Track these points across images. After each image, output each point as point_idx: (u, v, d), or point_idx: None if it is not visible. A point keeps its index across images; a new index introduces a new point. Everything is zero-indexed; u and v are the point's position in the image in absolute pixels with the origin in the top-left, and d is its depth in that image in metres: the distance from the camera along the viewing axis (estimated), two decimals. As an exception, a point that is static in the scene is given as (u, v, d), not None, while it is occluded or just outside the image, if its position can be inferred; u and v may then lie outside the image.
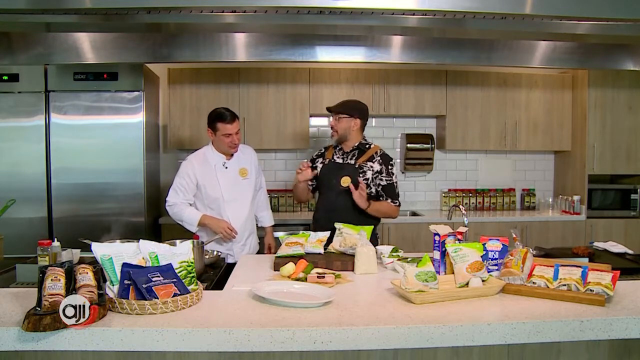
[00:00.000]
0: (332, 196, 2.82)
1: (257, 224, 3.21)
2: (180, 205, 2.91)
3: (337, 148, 2.95)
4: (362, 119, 2.86)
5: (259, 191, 3.19)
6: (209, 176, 2.92)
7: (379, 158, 2.84)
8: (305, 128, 4.51)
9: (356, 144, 2.87)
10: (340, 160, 2.89)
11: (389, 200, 2.83)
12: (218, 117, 2.86)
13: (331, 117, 2.90)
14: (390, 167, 2.84)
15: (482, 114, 4.64)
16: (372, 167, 2.81)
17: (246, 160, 3.04)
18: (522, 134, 4.69)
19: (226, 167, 2.96)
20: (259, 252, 3.14)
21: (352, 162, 2.85)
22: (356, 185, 2.74)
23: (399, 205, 2.88)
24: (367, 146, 2.88)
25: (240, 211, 2.97)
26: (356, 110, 2.85)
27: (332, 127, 2.87)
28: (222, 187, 2.92)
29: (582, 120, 4.59)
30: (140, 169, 3.93)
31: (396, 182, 2.86)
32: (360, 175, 2.79)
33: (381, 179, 2.82)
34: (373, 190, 2.82)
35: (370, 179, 2.80)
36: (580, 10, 2.33)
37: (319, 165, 2.95)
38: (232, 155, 2.98)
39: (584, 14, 2.35)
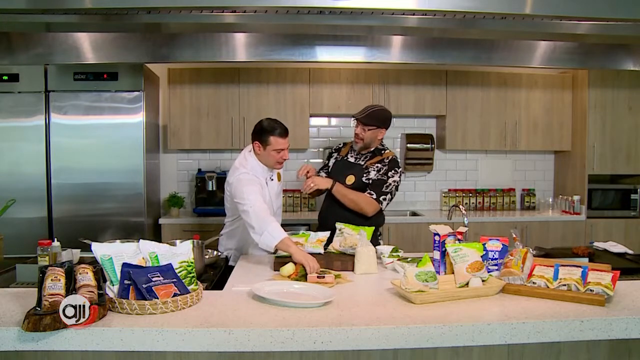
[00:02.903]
0: None
1: None
2: (266, 210, 2.43)
3: (356, 150, 2.95)
4: (387, 128, 2.86)
5: None
6: (262, 189, 2.65)
7: (387, 162, 2.83)
8: (305, 128, 4.51)
9: (372, 149, 2.88)
10: (352, 160, 2.91)
11: (367, 192, 2.75)
12: (271, 129, 2.57)
13: (355, 124, 2.83)
14: (391, 171, 2.80)
15: (482, 114, 4.64)
16: (377, 167, 2.82)
17: None
18: (522, 134, 4.69)
19: (272, 179, 2.77)
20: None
21: (362, 162, 2.87)
22: (360, 184, 2.78)
23: (379, 203, 2.75)
24: (382, 151, 2.88)
25: (278, 219, 2.78)
26: (383, 120, 2.82)
27: (357, 135, 2.81)
28: (272, 197, 2.75)
29: (582, 120, 4.58)
30: (140, 169, 3.93)
31: (390, 185, 2.77)
32: (364, 175, 2.82)
33: (376, 175, 2.79)
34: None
35: (373, 177, 2.82)
36: (580, 10, 2.33)
37: (332, 161, 2.97)
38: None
39: (584, 14, 2.35)
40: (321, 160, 4.66)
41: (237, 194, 2.49)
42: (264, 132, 2.58)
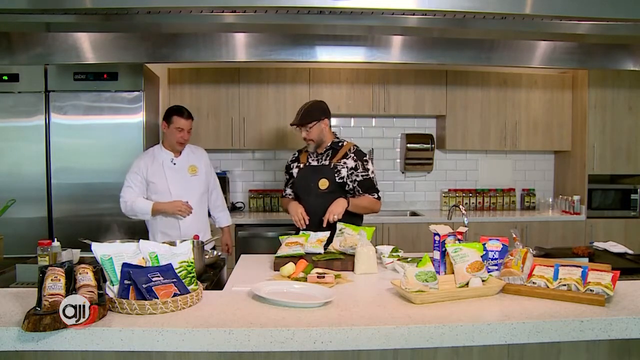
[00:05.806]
0: (312, 200, 2.76)
1: (216, 225, 3.33)
2: (131, 199, 2.95)
3: (312, 151, 2.89)
4: (328, 116, 2.84)
5: (213, 192, 3.24)
6: (158, 172, 3.00)
7: (352, 154, 2.79)
8: (305, 128, 4.51)
9: (329, 144, 2.83)
10: (316, 163, 2.84)
11: (367, 195, 2.78)
12: (175, 111, 2.99)
13: (300, 130, 2.80)
14: (365, 163, 2.78)
15: (482, 114, 4.64)
16: (345, 163, 2.76)
17: (196, 159, 3.11)
18: (522, 134, 4.69)
19: (174, 164, 3.03)
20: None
21: (327, 162, 2.81)
22: (335, 186, 2.73)
23: (379, 198, 2.81)
24: (340, 144, 2.85)
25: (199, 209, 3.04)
26: (320, 111, 2.80)
27: (305, 139, 2.80)
28: (170, 182, 2.99)
29: (582, 120, 4.59)
30: (141, 169, 3.92)
31: (373, 176, 2.81)
32: (336, 174, 2.76)
33: (357, 175, 2.77)
34: (351, 186, 2.77)
35: (346, 175, 2.75)
36: (580, 10, 2.33)
37: (295, 171, 2.90)
38: (180, 153, 3.05)
39: (584, 14, 2.35)
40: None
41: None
42: (170, 112, 2.99)
